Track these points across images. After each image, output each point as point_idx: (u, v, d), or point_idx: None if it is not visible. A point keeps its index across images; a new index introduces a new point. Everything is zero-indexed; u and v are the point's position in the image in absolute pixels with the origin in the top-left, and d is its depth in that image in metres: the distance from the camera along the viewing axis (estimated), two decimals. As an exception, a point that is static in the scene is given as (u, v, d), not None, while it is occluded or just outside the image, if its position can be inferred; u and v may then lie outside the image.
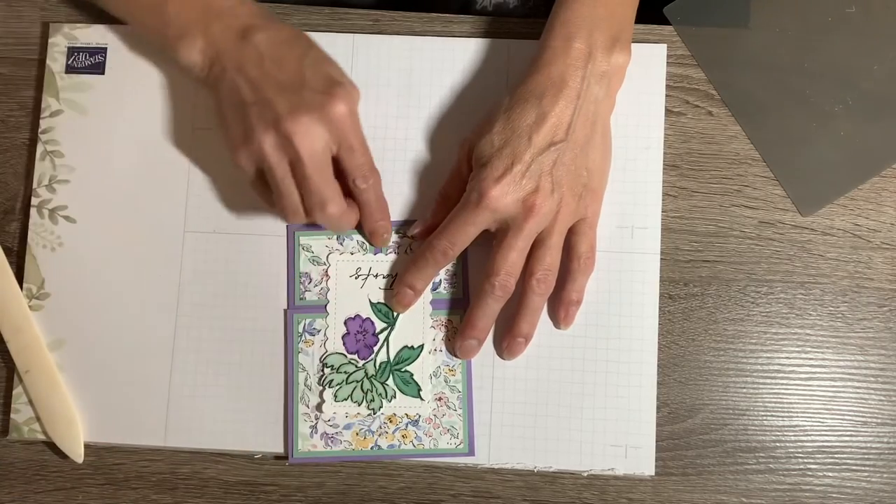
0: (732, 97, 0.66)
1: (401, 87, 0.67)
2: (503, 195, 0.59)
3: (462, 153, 0.63)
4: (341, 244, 0.65)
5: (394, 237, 0.65)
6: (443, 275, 0.64)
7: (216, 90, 0.61)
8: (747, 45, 0.67)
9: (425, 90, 0.67)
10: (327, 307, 0.64)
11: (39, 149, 0.67)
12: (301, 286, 0.65)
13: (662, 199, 0.65)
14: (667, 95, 0.66)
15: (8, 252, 0.66)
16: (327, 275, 0.65)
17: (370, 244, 0.64)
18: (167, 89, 0.67)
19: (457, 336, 0.63)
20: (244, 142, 0.59)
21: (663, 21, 0.67)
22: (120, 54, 0.67)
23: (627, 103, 0.65)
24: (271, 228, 0.65)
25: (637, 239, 0.65)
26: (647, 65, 0.66)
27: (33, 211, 0.66)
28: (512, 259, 0.60)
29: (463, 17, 0.68)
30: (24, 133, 0.68)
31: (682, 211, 0.66)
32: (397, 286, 0.63)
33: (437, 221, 0.63)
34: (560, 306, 0.63)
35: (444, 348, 0.64)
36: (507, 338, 0.63)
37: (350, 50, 0.67)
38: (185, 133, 0.67)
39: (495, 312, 0.62)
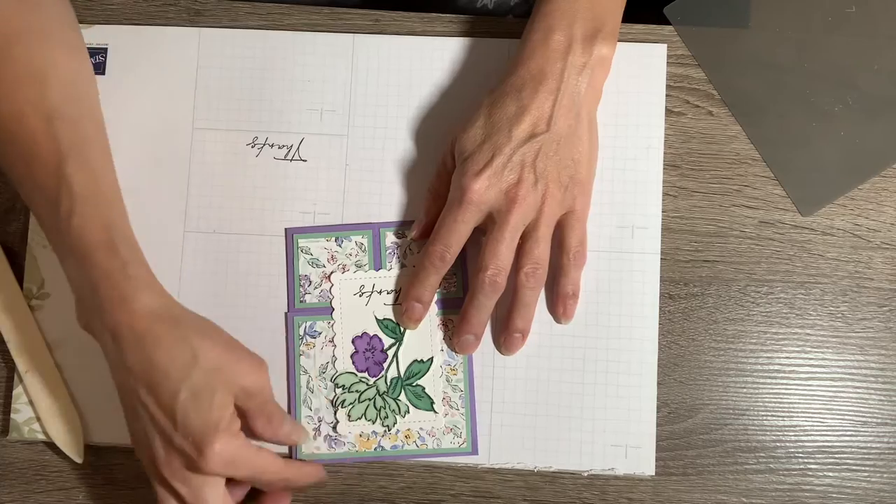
0: (732, 97, 0.66)
1: (401, 87, 0.67)
2: (485, 188, 0.59)
3: (447, 148, 0.63)
4: (339, 246, 0.65)
5: (392, 238, 0.65)
6: (442, 274, 0.64)
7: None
8: (747, 45, 0.67)
9: (425, 90, 0.67)
10: (333, 326, 0.64)
11: (39, 149, 0.67)
12: (301, 289, 0.65)
13: (662, 199, 0.65)
14: (667, 95, 0.66)
15: (8, 252, 0.66)
16: (329, 280, 0.65)
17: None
18: (167, 90, 0.67)
19: (454, 332, 0.63)
20: (135, 448, 0.58)
21: (663, 21, 0.67)
22: (120, 54, 0.67)
23: (627, 103, 0.65)
24: (271, 229, 0.65)
25: (637, 239, 0.65)
26: (647, 65, 0.66)
27: (33, 211, 0.66)
28: (500, 252, 0.60)
29: (463, 17, 0.68)
30: (24, 133, 0.68)
31: (682, 211, 0.66)
32: (404, 301, 0.63)
33: (430, 219, 0.63)
34: (557, 301, 0.63)
35: (445, 347, 0.64)
36: (504, 334, 0.63)
37: (350, 50, 0.67)
38: (185, 133, 0.67)
39: (489, 307, 0.62)
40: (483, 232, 0.62)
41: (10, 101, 0.58)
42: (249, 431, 0.58)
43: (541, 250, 0.60)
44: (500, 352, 0.64)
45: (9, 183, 0.67)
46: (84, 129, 0.60)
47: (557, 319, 0.64)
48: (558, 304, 0.63)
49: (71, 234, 0.57)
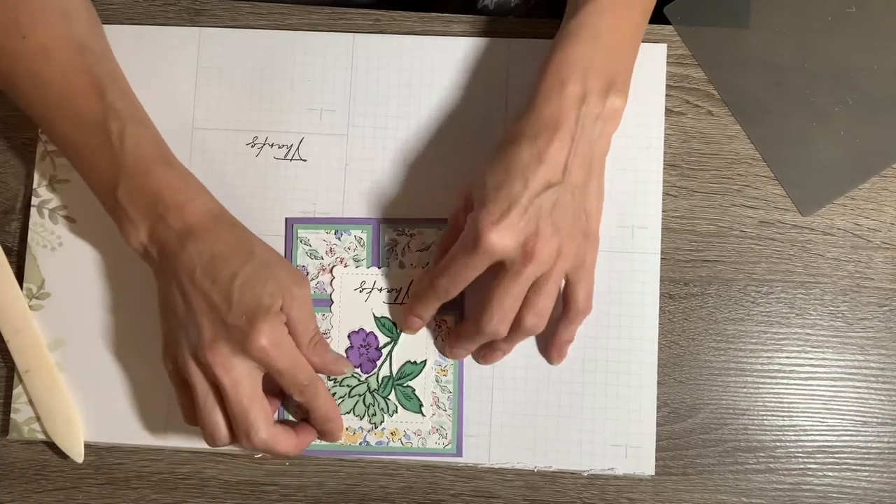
0: (732, 97, 0.67)
1: (401, 86, 0.67)
2: (501, 239, 0.57)
3: (459, 203, 0.62)
4: (339, 239, 0.65)
5: (392, 235, 0.65)
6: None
7: (156, 278, 0.60)
8: (747, 45, 0.67)
9: (425, 90, 0.67)
10: (331, 320, 0.64)
11: (39, 149, 0.67)
12: (298, 280, 0.65)
13: (662, 199, 0.65)
14: (667, 95, 0.66)
15: (8, 252, 0.67)
16: (330, 274, 0.65)
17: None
18: (167, 90, 0.67)
19: (448, 338, 0.64)
20: (169, 352, 0.59)
21: (663, 21, 0.67)
22: (120, 55, 0.67)
23: (627, 103, 0.65)
24: (270, 228, 0.65)
25: (637, 239, 0.65)
26: (647, 65, 0.66)
27: (33, 211, 0.66)
28: (507, 304, 0.58)
29: (463, 17, 0.68)
30: (24, 133, 0.68)
31: (682, 211, 0.66)
32: (405, 312, 0.63)
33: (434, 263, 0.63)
34: (553, 348, 0.63)
35: (435, 348, 0.64)
36: (486, 350, 0.63)
37: (350, 50, 0.67)
38: (185, 133, 0.67)
39: (482, 343, 0.62)
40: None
41: (36, 38, 0.60)
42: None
43: (546, 304, 0.59)
44: (477, 360, 0.64)
45: (9, 183, 0.67)
46: (111, 61, 0.63)
47: (550, 362, 0.64)
48: (553, 349, 0.63)
49: (126, 151, 0.59)
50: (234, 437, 0.58)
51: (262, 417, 0.57)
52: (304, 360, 0.59)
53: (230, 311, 0.57)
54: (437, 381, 0.64)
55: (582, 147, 0.58)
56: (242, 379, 0.57)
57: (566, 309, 0.62)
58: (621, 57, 0.61)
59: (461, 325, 0.63)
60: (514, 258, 0.57)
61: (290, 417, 0.64)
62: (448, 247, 0.62)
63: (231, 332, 0.56)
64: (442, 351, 0.64)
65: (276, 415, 0.63)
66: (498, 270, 0.58)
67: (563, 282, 0.61)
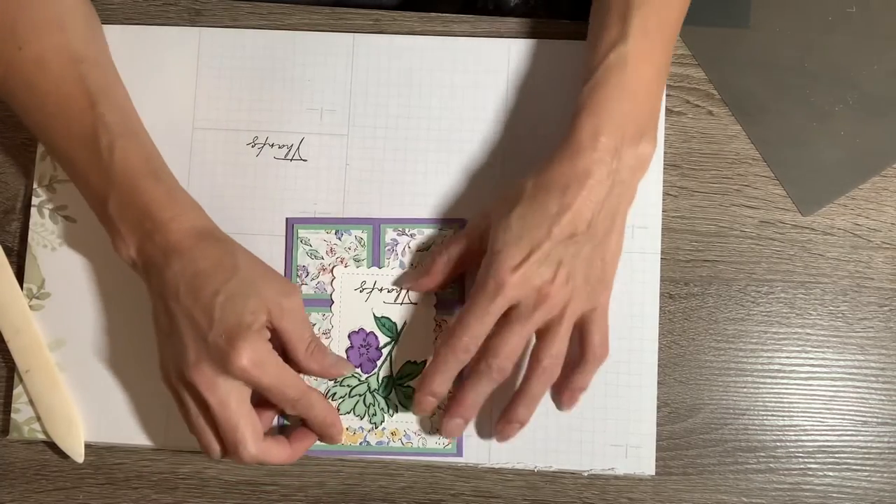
0: (732, 97, 0.67)
1: (401, 86, 0.67)
2: (520, 283, 0.57)
3: (476, 225, 0.61)
4: (339, 239, 0.65)
5: (392, 235, 0.65)
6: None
7: (147, 288, 0.60)
8: (747, 45, 0.67)
9: (425, 90, 0.67)
10: (331, 320, 0.64)
11: (39, 149, 0.67)
12: (298, 279, 0.65)
13: (662, 199, 0.65)
14: (667, 95, 0.66)
15: (8, 252, 0.66)
16: (330, 274, 0.65)
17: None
18: (167, 90, 0.67)
19: (444, 413, 0.61)
20: (164, 368, 0.60)
21: (663, 21, 0.67)
22: (120, 55, 0.67)
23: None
24: (270, 228, 0.65)
25: (637, 239, 0.65)
26: (648, 64, 0.66)
27: (33, 211, 0.66)
28: (514, 343, 0.58)
29: (463, 17, 0.68)
30: (24, 133, 0.68)
31: (682, 211, 0.66)
32: (419, 394, 0.60)
33: (433, 279, 0.62)
34: (565, 392, 0.61)
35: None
36: (502, 423, 0.61)
37: (350, 50, 0.67)
38: (185, 133, 0.67)
39: (487, 393, 0.60)
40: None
41: (32, 48, 0.60)
42: (292, 365, 0.59)
43: (560, 347, 0.59)
44: (496, 439, 0.62)
45: (9, 183, 0.67)
46: (106, 70, 0.63)
47: (559, 407, 0.61)
48: (565, 395, 0.61)
49: (114, 165, 0.59)
50: (225, 452, 0.58)
51: (249, 433, 0.57)
52: (291, 375, 0.58)
53: (211, 330, 0.56)
54: (437, 381, 0.64)
55: (610, 200, 0.58)
56: (228, 398, 0.57)
57: (582, 354, 0.60)
58: (650, 103, 0.60)
59: (460, 391, 0.60)
60: (527, 300, 0.58)
61: (289, 422, 0.64)
62: (449, 256, 0.62)
63: (212, 351, 0.56)
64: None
65: (275, 420, 0.63)
66: (507, 313, 0.58)
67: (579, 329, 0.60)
